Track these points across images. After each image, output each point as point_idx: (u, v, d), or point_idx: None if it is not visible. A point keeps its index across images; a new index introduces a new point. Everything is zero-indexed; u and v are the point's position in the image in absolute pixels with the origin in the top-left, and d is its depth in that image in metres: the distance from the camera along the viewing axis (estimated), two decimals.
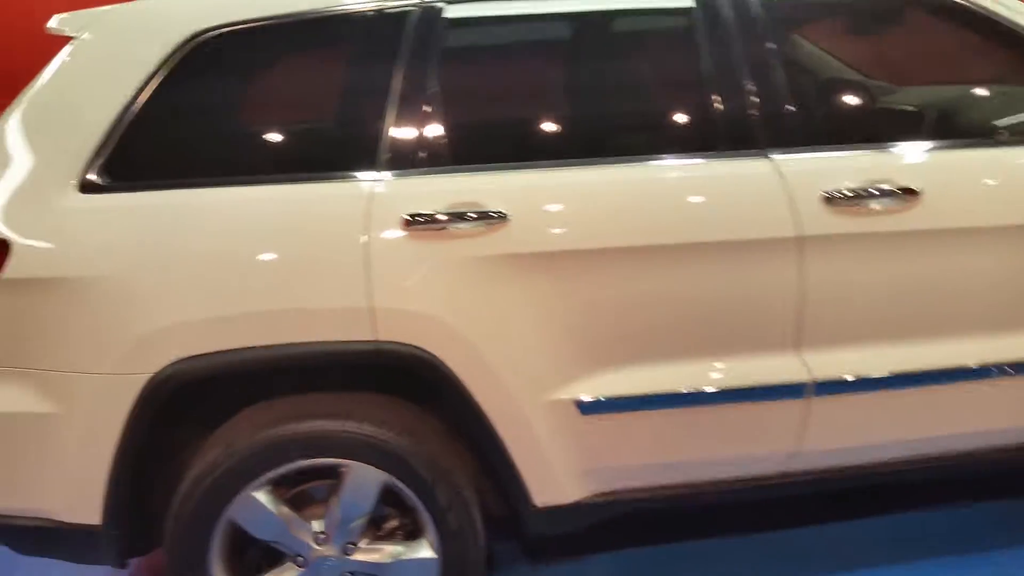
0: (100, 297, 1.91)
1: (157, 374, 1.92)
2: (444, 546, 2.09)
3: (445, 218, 1.96)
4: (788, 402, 2.12)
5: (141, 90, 1.97)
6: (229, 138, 2.14)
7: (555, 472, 2.12)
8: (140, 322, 1.91)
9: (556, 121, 2.23)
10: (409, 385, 2.11)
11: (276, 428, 1.98)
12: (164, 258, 1.92)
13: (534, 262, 1.99)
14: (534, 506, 2.13)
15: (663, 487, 2.21)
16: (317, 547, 2.08)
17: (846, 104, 2.44)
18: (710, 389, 2.09)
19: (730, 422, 2.13)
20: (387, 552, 2.12)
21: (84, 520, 2.03)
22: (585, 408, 2.07)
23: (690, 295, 2.05)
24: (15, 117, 2.01)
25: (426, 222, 1.96)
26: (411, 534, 2.16)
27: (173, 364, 1.92)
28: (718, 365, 2.09)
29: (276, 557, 2.13)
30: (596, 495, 2.18)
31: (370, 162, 2.00)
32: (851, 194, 2.05)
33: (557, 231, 2.00)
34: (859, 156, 2.14)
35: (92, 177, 1.95)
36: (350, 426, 2.00)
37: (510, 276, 1.98)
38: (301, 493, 2.11)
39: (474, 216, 1.96)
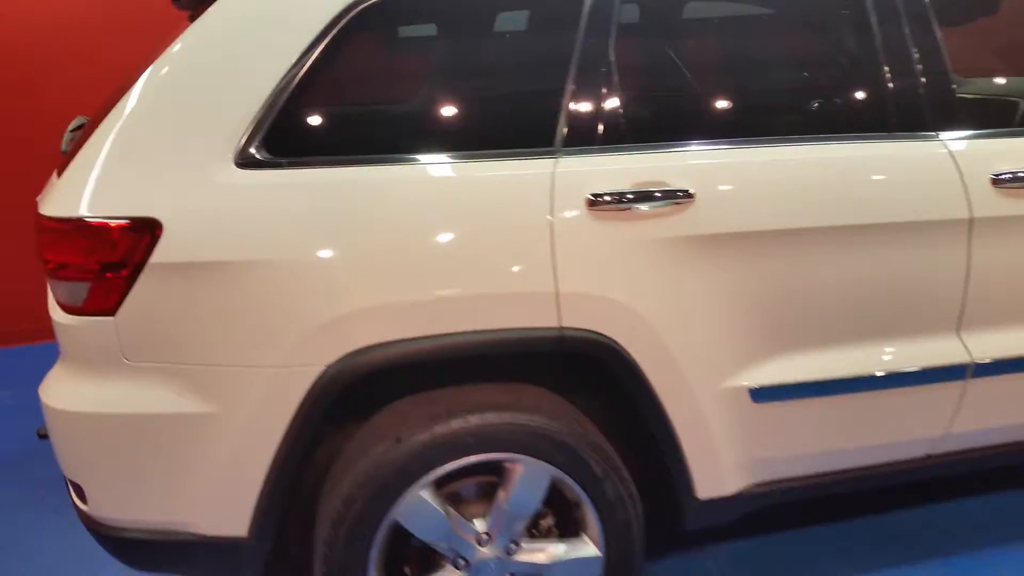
0: (266, 283, 1.73)
1: (331, 366, 1.76)
2: (608, 542, 2.00)
3: (631, 197, 1.86)
4: (949, 384, 2.12)
5: (303, 58, 1.79)
6: (395, 113, 1.99)
7: (721, 463, 2.05)
8: (313, 310, 1.75)
9: (737, 99, 2.16)
10: (559, 375, 2.02)
11: (450, 422, 1.84)
12: (339, 241, 1.76)
13: (716, 243, 1.92)
14: (697, 499, 2.06)
15: (818, 475, 2.17)
16: (481, 548, 1.95)
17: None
18: (878, 374, 2.06)
19: (893, 407, 2.11)
20: (551, 551, 2.01)
21: (229, 532, 1.86)
22: (757, 396, 2.01)
23: (863, 277, 2.02)
24: (155, 86, 1.79)
25: (611, 202, 1.86)
26: (564, 532, 2.05)
27: (349, 355, 1.76)
28: (886, 349, 2.07)
29: (427, 562, 1.99)
30: (754, 486, 2.13)
31: (548, 139, 1.89)
32: (1013, 176, 2.07)
33: (741, 211, 1.93)
34: (1017, 139, 2.16)
35: (250, 152, 1.77)
36: (523, 418, 1.88)
37: (691, 258, 1.91)
38: (452, 492, 1.98)
39: (660, 195, 1.88)
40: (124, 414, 1.78)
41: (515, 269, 1.82)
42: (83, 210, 1.73)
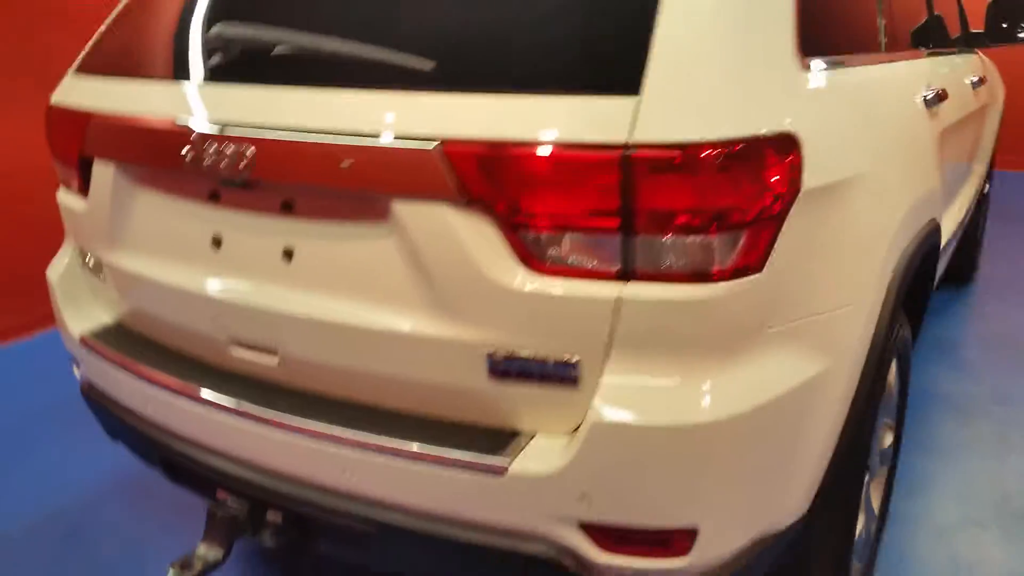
0: (868, 198, 1.50)
1: (895, 279, 1.62)
2: None
3: (935, 98, 2.09)
4: None
5: None
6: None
7: None
8: (891, 220, 1.59)
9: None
10: None
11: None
12: (894, 143, 1.66)
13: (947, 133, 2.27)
14: None
15: None
16: None
17: None
18: None
19: None
20: None
21: (792, 519, 1.51)
22: None
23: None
24: None
25: (932, 102, 2.05)
26: None
27: (905, 259, 1.66)
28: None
29: None
30: None
31: (878, 43, 1.96)
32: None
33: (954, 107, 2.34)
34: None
35: (804, 51, 1.45)
36: None
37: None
38: None
39: (938, 97, 2.13)
40: (764, 403, 1.32)
41: (931, 164, 1.92)
42: (730, 129, 1.23)
